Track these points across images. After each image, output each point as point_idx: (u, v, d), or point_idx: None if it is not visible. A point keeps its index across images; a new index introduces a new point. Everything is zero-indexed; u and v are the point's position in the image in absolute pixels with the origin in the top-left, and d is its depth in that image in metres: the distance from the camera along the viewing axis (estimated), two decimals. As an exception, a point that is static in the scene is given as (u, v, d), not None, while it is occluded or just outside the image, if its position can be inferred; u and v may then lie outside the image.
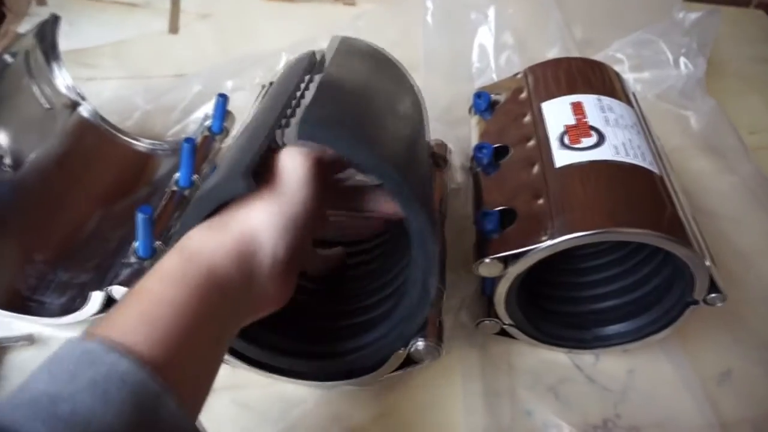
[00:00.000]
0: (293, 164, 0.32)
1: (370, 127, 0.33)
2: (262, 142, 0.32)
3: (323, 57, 0.40)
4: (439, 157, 0.51)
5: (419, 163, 0.37)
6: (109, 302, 0.40)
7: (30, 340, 0.42)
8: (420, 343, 0.37)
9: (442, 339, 0.38)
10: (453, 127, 0.58)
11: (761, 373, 0.46)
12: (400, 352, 0.38)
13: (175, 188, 0.45)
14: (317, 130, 0.30)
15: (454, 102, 0.60)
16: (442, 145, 0.52)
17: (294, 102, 0.34)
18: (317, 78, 0.35)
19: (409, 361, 0.39)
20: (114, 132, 0.53)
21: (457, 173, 0.55)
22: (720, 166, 0.62)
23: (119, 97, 0.59)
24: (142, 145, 0.53)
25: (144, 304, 0.26)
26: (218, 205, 0.31)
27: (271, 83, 0.46)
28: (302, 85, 0.36)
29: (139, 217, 0.37)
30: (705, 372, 0.46)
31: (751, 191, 0.59)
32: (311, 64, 0.39)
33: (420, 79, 0.61)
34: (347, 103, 0.34)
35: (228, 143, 0.52)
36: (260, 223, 0.30)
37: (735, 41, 0.77)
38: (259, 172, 0.31)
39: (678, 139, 0.63)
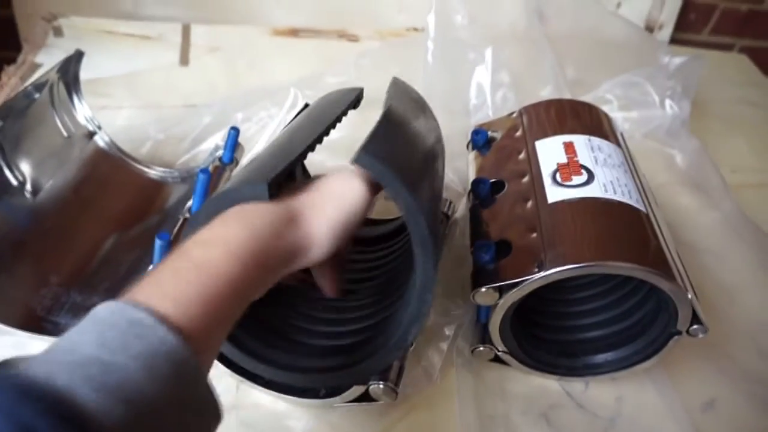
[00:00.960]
0: (359, 182, 0.35)
1: (416, 171, 0.36)
2: (295, 159, 0.35)
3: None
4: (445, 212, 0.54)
5: (439, 212, 0.40)
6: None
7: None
8: (380, 385, 0.39)
9: (399, 383, 0.40)
10: (451, 160, 0.60)
11: (743, 403, 0.48)
12: (360, 387, 0.40)
13: (187, 215, 0.48)
14: (375, 162, 0.32)
15: (453, 136, 0.63)
16: (448, 202, 0.55)
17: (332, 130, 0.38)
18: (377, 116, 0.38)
19: (366, 397, 0.40)
20: (128, 160, 0.55)
21: (457, 203, 0.58)
22: (703, 203, 0.65)
23: (132, 126, 0.62)
24: (154, 172, 0.56)
25: (202, 278, 0.26)
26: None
27: (306, 104, 0.49)
28: (343, 117, 0.40)
29: (158, 243, 0.39)
30: (690, 401, 0.48)
31: (733, 227, 0.62)
32: (357, 99, 0.43)
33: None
34: (401, 145, 0.37)
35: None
36: (320, 225, 0.33)
37: (719, 84, 0.82)
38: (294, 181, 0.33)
39: (664, 175, 0.67)
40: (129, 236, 0.51)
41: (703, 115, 0.73)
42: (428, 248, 0.34)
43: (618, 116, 0.69)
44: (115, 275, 0.48)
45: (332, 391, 0.41)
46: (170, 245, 0.41)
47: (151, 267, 0.43)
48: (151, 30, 0.76)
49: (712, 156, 0.66)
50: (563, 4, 0.78)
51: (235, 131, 0.52)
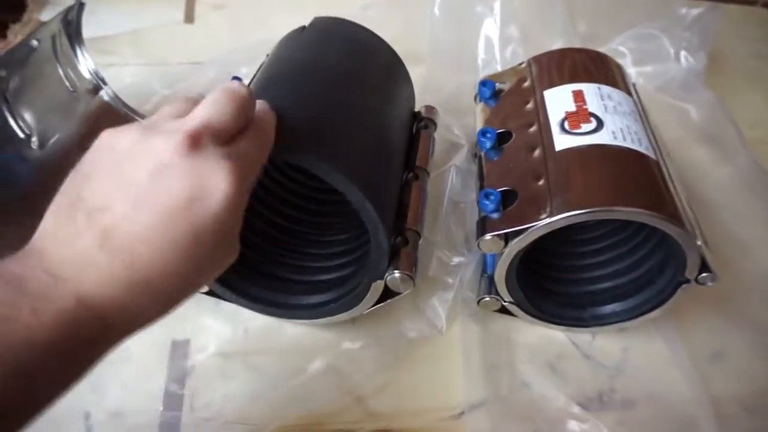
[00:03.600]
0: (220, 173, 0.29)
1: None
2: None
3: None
4: (427, 119, 0.53)
5: (363, 143, 0.40)
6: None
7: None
8: (396, 274, 0.40)
9: (415, 270, 0.41)
10: (460, 117, 0.60)
11: (752, 354, 0.48)
12: (378, 283, 0.40)
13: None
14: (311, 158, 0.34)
15: (460, 92, 0.62)
16: (431, 109, 0.54)
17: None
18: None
19: (389, 293, 0.41)
20: (133, 115, 0.55)
21: (464, 158, 0.57)
22: (718, 157, 0.63)
23: (137, 83, 0.62)
24: (160, 127, 0.55)
25: None
26: None
27: (267, 55, 0.49)
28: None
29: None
30: (698, 351, 0.47)
31: (748, 183, 0.61)
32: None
33: (426, 69, 0.63)
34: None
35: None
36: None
37: (738, 38, 0.79)
38: None
39: (677, 130, 0.65)
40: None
41: (720, 70, 0.71)
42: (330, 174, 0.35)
43: (632, 71, 0.67)
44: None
45: (348, 304, 0.42)
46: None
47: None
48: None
49: (729, 111, 0.64)
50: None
51: (238, 81, 0.51)
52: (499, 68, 0.64)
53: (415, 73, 0.52)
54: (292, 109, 0.36)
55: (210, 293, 0.43)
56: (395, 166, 0.44)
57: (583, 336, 0.48)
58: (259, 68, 0.46)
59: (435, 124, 0.52)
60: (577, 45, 0.67)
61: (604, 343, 0.48)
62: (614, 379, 0.46)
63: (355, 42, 0.47)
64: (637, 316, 0.46)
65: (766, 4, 0.97)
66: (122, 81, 0.61)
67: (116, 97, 0.54)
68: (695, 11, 0.68)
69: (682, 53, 0.66)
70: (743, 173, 0.61)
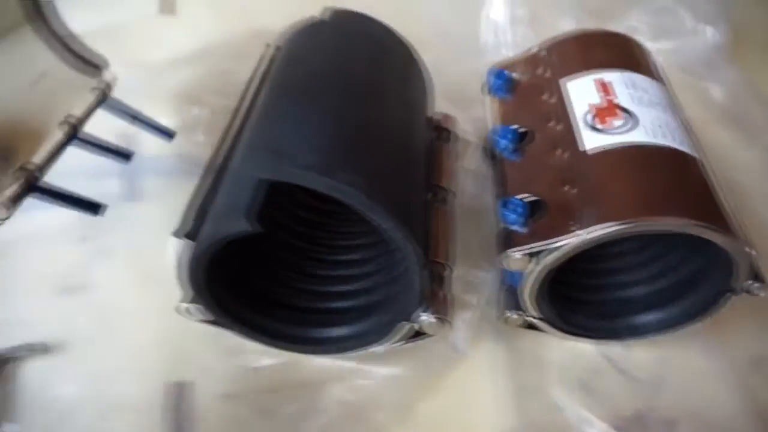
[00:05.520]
0: None
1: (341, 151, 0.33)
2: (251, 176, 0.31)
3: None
4: (444, 131, 0.49)
5: (396, 168, 0.37)
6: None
7: (44, 349, 0.41)
8: (430, 318, 0.36)
9: (451, 311, 0.38)
10: (465, 108, 0.55)
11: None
12: (405, 324, 0.37)
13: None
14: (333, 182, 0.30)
15: (465, 80, 0.58)
16: (449, 118, 0.50)
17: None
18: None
19: (417, 334, 0.38)
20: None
21: (473, 155, 0.53)
22: (743, 139, 0.59)
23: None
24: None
25: None
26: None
27: (277, 47, 0.44)
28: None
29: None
30: (737, 360, 0.44)
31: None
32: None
33: (428, 54, 0.58)
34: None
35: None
36: None
37: (760, 7, 0.74)
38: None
39: (699, 110, 0.61)
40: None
41: (744, 42, 0.66)
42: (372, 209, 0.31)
43: (650, 46, 0.62)
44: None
45: (371, 339, 0.39)
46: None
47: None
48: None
49: (754, 86, 0.60)
50: None
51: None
52: (507, 53, 0.59)
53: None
54: (324, 131, 0.33)
55: (213, 323, 0.39)
56: (422, 189, 0.40)
57: (614, 348, 0.44)
58: (269, 64, 0.41)
59: (454, 136, 0.47)
60: (590, 22, 0.63)
61: (637, 356, 0.44)
62: (652, 396, 0.42)
63: (377, 44, 0.43)
64: (675, 327, 0.42)
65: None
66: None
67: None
68: (714, -19, 0.63)
69: (702, 26, 0.61)
70: (771, 155, 0.57)
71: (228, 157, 0.37)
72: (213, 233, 0.30)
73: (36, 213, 0.48)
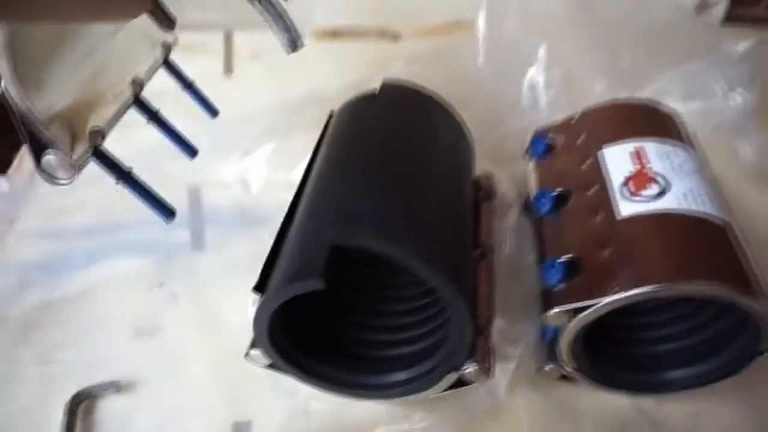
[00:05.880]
0: None
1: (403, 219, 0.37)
2: (324, 240, 0.34)
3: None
4: (487, 189, 0.52)
5: (450, 233, 0.40)
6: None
7: (117, 387, 0.44)
8: (473, 367, 0.39)
9: (493, 361, 0.41)
10: (505, 164, 0.59)
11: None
12: (454, 374, 0.40)
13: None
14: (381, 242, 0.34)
15: (505, 138, 0.61)
16: (490, 176, 0.54)
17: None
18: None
19: (461, 383, 0.41)
20: None
21: (512, 211, 0.56)
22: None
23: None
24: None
25: None
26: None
27: (336, 117, 0.49)
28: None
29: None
30: (771, 415, 0.45)
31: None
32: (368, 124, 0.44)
33: (471, 116, 0.63)
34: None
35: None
36: None
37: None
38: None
39: (731, 169, 0.63)
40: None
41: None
42: (431, 276, 0.35)
43: (679, 108, 0.65)
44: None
45: (420, 387, 0.42)
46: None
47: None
48: (194, 39, 0.75)
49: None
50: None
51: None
52: (543, 115, 0.63)
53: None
54: (386, 200, 0.37)
55: (272, 367, 0.43)
56: (470, 248, 0.44)
57: (647, 401, 0.46)
58: (331, 133, 0.46)
59: (496, 194, 0.51)
60: (621, 85, 0.66)
61: (670, 409, 0.46)
62: (686, 450, 0.44)
63: (427, 114, 0.47)
64: (706, 383, 0.44)
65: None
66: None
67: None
68: (743, 46, 0.66)
69: (731, 93, 0.64)
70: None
71: (294, 217, 0.41)
72: (288, 290, 0.34)
73: (112, 261, 0.54)
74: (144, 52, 0.50)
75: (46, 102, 0.37)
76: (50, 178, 0.38)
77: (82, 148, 0.41)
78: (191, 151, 0.56)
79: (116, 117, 0.46)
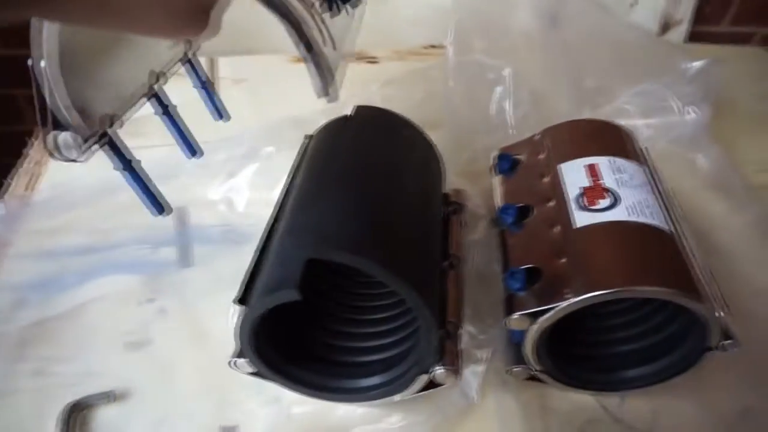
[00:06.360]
0: None
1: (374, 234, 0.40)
2: (301, 254, 0.37)
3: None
4: (456, 203, 0.56)
5: (418, 245, 0.44)
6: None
7: (110, 397, 0.47)
8: (441, 369, 0.42)
9: (460, 363, 0.43)
10: (476, 180, 0.62)
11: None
12: (423, 376, 0.43)
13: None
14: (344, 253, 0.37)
15: (476, 156, 0.65)
16: (460, 192, 0.57)
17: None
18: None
19: (433, 384, 0.44)
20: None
21: (482, 224, 0.59)
22: (731, 207, 0.65)
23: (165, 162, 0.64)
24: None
25: None
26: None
27: (310, 137, 0.52)
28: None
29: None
30: (726, 410, 0.48)
31: (763, 231, 0.62)
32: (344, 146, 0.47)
33: (443, 135, 0.66)
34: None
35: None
36: None
37: (741, 81, 0.81)
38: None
39: (688, 181, 0.67)
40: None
41: (728, 115, 0.73)
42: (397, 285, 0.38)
43: (639, 123, 0.69)
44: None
45: (394, 390, 0.44)
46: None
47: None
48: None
49: (740, 156, 0.66)
50: (575, 9, 0.79)
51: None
52: (511, 131, 0.66)
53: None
54: (357, 215, 0.40)
55: (256, 374, 0.45)
56: (438, 259, 0.47)
57: (612, 399, 0.49)
58: (306, 154, 0.49)
59: (465, 208, 0.55)
60: (585, 103, 0.70)
61: (633, 406, 0.49)
62: (646, 443, 0.47)
63: (397, 135, 0.51)
64: (663, 379, 0.47)
65: (763, 41, 1.00)
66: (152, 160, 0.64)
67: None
68: (697, 65, 0.70)
69: (687, 107, 0.69)
70: (760, 221, 0.63)
71: (273, 234, 0.44)
72: (268, 301, 0.37)
73: (104, 279, 0.56)
74: (166, 44, 0.50)
75: (75, 86, 0.38)
76: (63, 156, 0.39)
77: (93, 130, 0.41)
78: (194, 151, 0.57)
79: (130, 104, 0.46)
